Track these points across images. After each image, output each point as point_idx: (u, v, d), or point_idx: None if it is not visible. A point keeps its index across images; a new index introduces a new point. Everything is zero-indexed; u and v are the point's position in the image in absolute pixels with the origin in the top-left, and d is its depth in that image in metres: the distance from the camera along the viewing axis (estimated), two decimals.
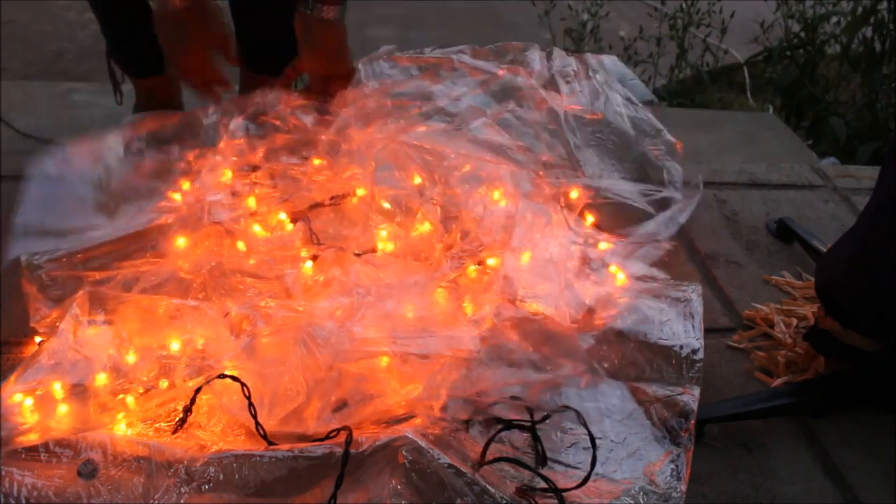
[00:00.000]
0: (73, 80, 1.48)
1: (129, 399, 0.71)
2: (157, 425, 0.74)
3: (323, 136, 1.02)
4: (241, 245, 0.91)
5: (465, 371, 0.76)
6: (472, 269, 0.89)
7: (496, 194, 0.97)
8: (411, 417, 0.73)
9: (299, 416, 0.72)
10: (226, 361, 0.72)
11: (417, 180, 0.98)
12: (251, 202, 0.96)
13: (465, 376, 0.76)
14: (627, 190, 1.06)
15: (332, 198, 0.99)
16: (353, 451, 0.68)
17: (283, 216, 0.96)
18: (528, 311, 0.83)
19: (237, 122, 1.02)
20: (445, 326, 0.79)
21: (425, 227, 0.94)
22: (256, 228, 0.94)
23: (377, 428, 0.72)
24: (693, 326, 0.92)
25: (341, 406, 0.74)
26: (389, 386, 0.75)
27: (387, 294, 0.82)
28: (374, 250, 0.93)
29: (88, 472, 0.66)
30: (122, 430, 0.71)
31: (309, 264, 0.89)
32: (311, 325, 0.75)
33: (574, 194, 1.03)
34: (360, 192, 0.98)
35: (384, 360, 0.77)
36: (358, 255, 0.89)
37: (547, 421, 0.79)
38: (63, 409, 0.69)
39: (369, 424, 0.73)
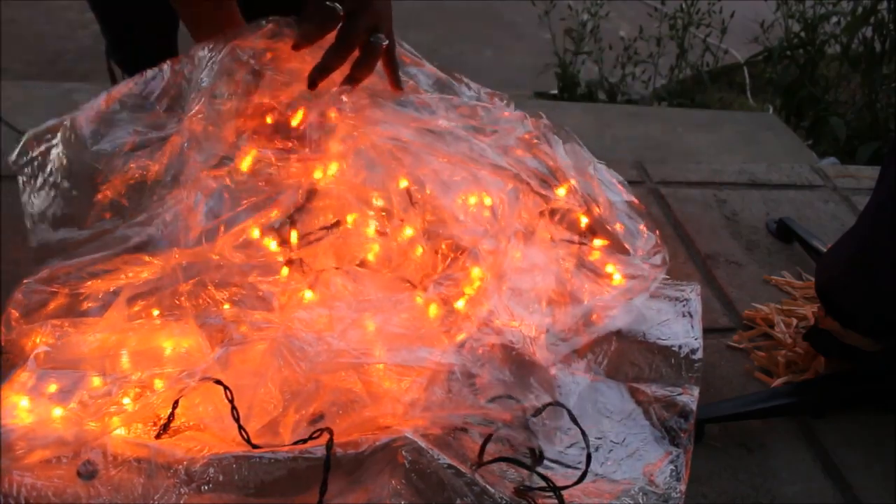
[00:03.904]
0: (73, 80, 1.48)
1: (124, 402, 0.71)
2: (152, 428, 0.73)
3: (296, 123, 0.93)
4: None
5: (444, 387, 0.75)
6: (455, 291, 0.87)
7: (480, 198, 0.95)
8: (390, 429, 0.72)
9: (275, 429, 0.71)
10: (200, 374, 0.71)
11: (404, 183, 0.94)
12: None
13: (443, 394, 0.75)
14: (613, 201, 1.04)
15: (321, 228, 0.92)
16: (352, 451, 0.68)
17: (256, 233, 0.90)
18: (506, 337, 0.81)
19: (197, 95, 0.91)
20: (425, 343, 0.78)
21: (407, 233, 0.92)
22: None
23: (359, 432, 0.72)
24: (692, 326, 0.92)
25: (318, 418, 0.73)
26: (367, 400, 0.74)
27: (366, 308, 0.81)
28: (363, 261, 0.90)
29: (88, 472, 0.66)
30: (119, 433, 0.71)
31: (284, 270, 0.87)
32: (288, 336, 0.74)
33: (562, 191, 1.01)
34: (351, 217, 0.93)
35: (362, 373, 0.75)
36: (337, 268, 0.87)
37: (544, 421, 0.79)
38: (58, 412, 0.69)
39: (348, 435, 0.72)
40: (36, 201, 0.89)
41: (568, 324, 0.89)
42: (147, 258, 0.85)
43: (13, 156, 0.89)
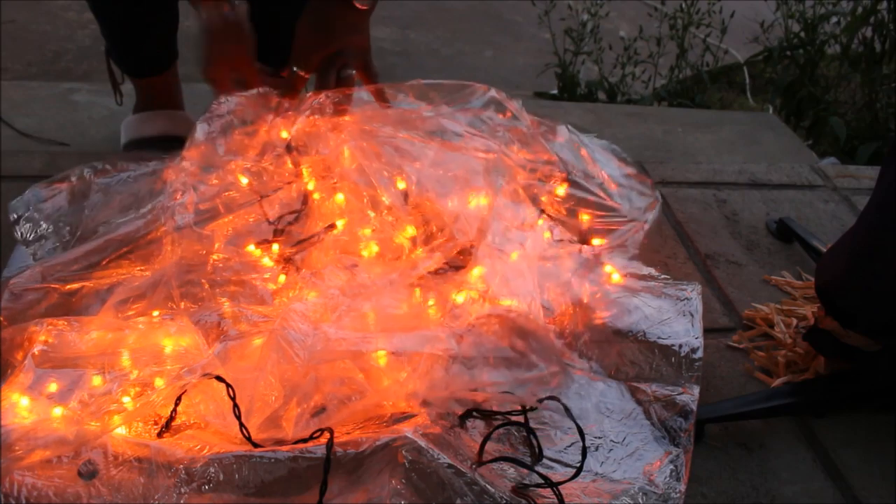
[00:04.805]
0: (73, 80, 1.48)
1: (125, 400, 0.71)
2: (153, 426, 0.73)
3: (285, 132, 0.98)
4: (216, 256, 0.88)
5: (444, 371, 0.75)
6: (447, 267, 0.88)
7: (471, 198, 0.95)
8: (397, 421, 0.73)
9: (277, 423, 0.71)
10: (200, 370, 0.71)
11: (401, 185, 0.95)
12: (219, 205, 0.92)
13: (444, 376, 0.75)
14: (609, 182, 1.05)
15: (312, 235, 0.93)
16: (353, 451, 0.68)
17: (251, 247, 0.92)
18: (503, 308, 0.82)
19: (202, 127, 0.98)
20: (422, 325, 0.78)
21: (408, 232, 0.93)
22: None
23: (360, 431, 0.72)
24: (692, 325, 0.92)
25: (320, 411, 0.73)
26: (368, 388, 0.74)
27: (361, 294, 0.81)
28: (357, 253, 0.91)
29: (89, 472, 0.66)
30: (119, 432, 0.71)
31: (282, 278, 0.88)
32: (285, 328, 0.74)
33: (561, 191, 1.02)
34: (341, 223, 0.94)
35: (361, 362, 0.75)
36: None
37: (543, 419, 0.79)
38: (58, 412, 0.69)
39: (351, 427, 0.72)
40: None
41: (566, 313, 0.90)
42: (139, 247, 0.86)
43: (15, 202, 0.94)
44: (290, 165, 0.98)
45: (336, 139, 0.96)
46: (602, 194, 1.02)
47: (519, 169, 0.99)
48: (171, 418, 0.72)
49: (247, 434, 0.70)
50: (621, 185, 1.05)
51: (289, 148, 0.98)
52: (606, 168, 1.06)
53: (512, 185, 0.97)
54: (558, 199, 1.01)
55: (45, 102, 1.38)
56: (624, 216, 1.00)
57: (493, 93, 1.04)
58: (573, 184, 1.03)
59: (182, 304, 0.82)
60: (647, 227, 1.01)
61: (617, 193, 1.02)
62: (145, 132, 1.24)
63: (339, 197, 0.95)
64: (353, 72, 1.03)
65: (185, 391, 0.72)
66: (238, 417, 0.70)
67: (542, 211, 1.00)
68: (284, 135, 0.99)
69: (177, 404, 0.72)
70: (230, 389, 0.71)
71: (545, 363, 0.77)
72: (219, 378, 0.71)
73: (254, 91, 1.02)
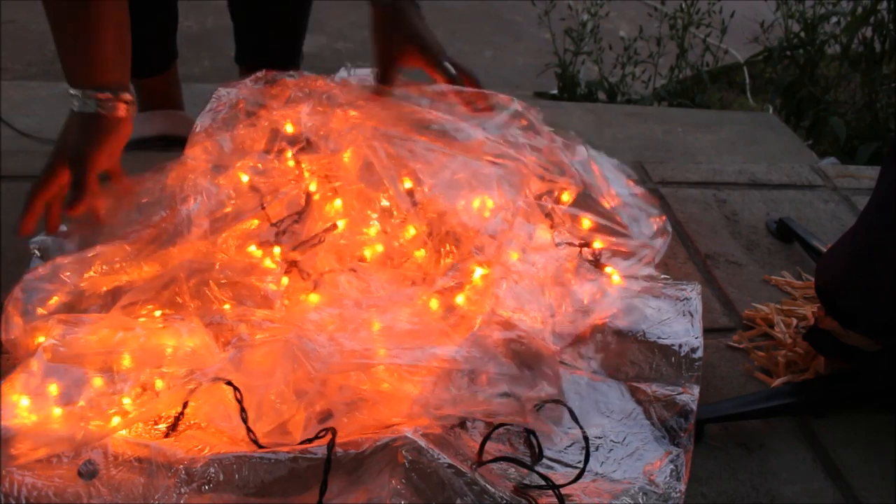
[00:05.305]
0: None
1: (126, 401, 0.71)
2: (156, 427, 0.73)
3: (293, 127, 0.98)
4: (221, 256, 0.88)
5: (450, 383, 0.75)
6: (462, 284, 0.87)
7: (483, 202, 0.95)
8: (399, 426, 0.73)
9: (283, 428, 0.72)
10: (213, 374, 0.71)
11: (408, 184, 0.94)
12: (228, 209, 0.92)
13: (451, 391, 0.75)
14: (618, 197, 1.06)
15: (314, 236, 0.93)
16: (353, 451, 0.68)
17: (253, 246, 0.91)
18: (513, 329, 0.82)
19: (205, 121, 0.97)
20: (434, 340, 0.78)
21: (410, 233, 0.93)
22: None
23: (360, 432, 0.72)
24: (692, 325, 0.92)
25: (326, 417, 0.73)
26: (375, 396, 0.75)
27: (375, 307, 0.81)
28: (361, 257, 0.91)
29: (89, 472, 0.66)
30: (121, 433, 0.71)
31: (285, 280, 0.88)
32: (300, 337, 0.74)
33: (566, 197, 1.02)
34: (342, 223, 0.94)
35: (369, 372, 0.75)
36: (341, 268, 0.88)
37: (542, 416, 0.79)
38: (58, 411, 0.69)
39: (357, 433, 0.73)
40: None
41: (568, 314, 0.90)
42: (150, 250, 0.86)
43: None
44: (291, 164, 0.97)
45: (344, 137, 0.96)
46: (613, 214, 1.02)
47: (534, 178, 0.99)
48: (177, 420, 0.72)
49: (254, 437, 0.70)
50: (629, 206, 1.05)
51: (293, 144, 0.98)
52: (616, 187, 1.06)
53: (525, 192, 0.96)
54: (565, 207, 1.01)
55: (45, 102, 1.38)
56: (634, 240, 1.00)
57: (515, 105, 1.04)
58: (586, 199, 1.02)
59: (191, 306, 0.82)
60: (658, 255, 1.01)
61: (627, 215, 1.02)
62: (145, 132, 1.24)
63: (341, 198, 0.95)
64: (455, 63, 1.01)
65: (194, 394, 0.72)
66: (245, 421, 0.70)
67: (549, 215, 0.99)
68: (290, 129, 0.98)
69: (184, 407, 0.72)
70: (238, 393, 0.71)
71: (545, 386, 0.78)
72: (228, 382, 0.71)
73: (259, 74, 1.01)
